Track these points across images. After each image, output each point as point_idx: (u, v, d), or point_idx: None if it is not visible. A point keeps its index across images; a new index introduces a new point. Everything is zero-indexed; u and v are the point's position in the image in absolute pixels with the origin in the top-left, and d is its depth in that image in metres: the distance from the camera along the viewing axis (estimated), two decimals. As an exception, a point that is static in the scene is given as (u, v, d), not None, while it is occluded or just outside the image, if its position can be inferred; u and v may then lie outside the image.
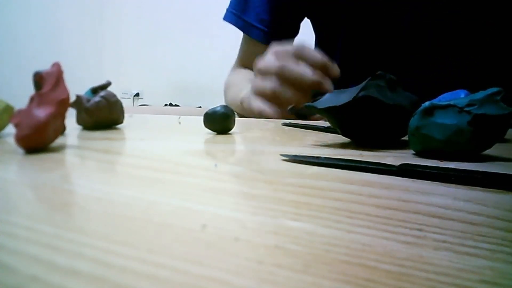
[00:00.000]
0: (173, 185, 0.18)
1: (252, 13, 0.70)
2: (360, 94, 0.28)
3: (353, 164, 0.22)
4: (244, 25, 0.71)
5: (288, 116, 0.50)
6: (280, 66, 0.49)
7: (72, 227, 0.13)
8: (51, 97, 0.26)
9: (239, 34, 0.75)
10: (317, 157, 0.23)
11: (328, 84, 0.48)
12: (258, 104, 0.52)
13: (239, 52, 0.78)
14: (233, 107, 0.47)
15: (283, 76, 0.49)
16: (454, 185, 0.19)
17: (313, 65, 0.49)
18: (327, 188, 0.18)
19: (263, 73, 0.51)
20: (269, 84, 0.50)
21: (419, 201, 0.16)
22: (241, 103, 0.57)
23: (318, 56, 0.49)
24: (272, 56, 0.51)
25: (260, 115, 0.52)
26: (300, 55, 0.49)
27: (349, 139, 0.32)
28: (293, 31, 0.74)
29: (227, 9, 0.73)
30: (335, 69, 0.49)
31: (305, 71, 0.48)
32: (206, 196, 0.16)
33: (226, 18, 0.73)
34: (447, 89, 0.37)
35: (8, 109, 0.31)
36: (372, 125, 0.29)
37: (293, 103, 0.49)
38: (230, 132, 0.36)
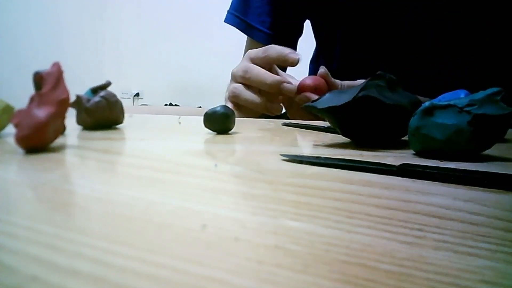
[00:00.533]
0: (173, 185, 0.18)
1: (254, 15, 0.70)
2: (360, 94, 0.28)
3: (353, 164, 0.22)
4: (246, 27, 0.71)
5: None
6: (244, 69, 0.52)
7: (72, 227, 0.13)
8: (51, 97, 0.26)
9: (239, 34, 0.75)
10: (317, 157, 0.23)
11: (288, 87, 0.49)
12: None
13: (243, 54, 0.78)
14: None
15: (245, 79, 0.52)
16: (454, 185, 0.19)
17: (272, 60, 0.51)
18: (327, 188, 0.18)
19: (233, 78, 0.54)
20: (231, 88, 0.53)
21: (419, 201, 0.16)
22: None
23: (277, 50, 0.51)
24: (244, 61, 0.53)
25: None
26: (265, 57, 0.51)
27: (349, 139, 0.32)
28: (296, 32, 0.74)
29: (228, 11, 0.73)
30: (291, 58, 0.50)
31: (263, 75, 0.50)
32: (206, 196, 0.16)
33: (228, 20, 0.72)
34: (447, 89, 0.37)
35: (8, 109, 0.31)
36: (372, 125, 0.29)
37: (251, 106, 0.52)
38: (230, 132, 0.36)
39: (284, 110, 0.56)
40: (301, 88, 0.49)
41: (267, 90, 0.50)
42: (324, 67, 0.51)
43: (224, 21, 0.73)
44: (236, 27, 0.72)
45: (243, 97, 0.51)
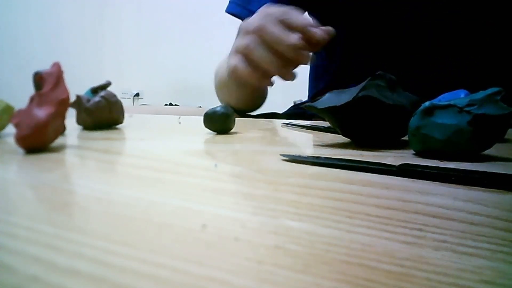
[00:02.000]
0: (173, 185, 0.18)
1: (257, 3, 0.70)
2: (360, 94, 0.28)
3: (353, 164, 0.22)
4: (249, 15, 0.70)
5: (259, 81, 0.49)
6: (259, 25, 0.48)
7: (72, 227, 0.13)
8: (51, 97, 0.26)
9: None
10: (317, 157, 0.23)
11: (304, 54, 0.46)
12: (234, 60, 0.51)
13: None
14: (221, 83, 0.45)
15: (260, 36, 0.48)
16: (454, 185, 0.19)
17: (296, 29, 0.47)
18: (327, 188, 0.18)
19: (244, 31, 0.50)
20: (245, 41, 0.49)
21: (419, 201, 0.16)
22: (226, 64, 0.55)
23: (301, 20, 0.47)
24: (256, 16, 0.50)
25: (234, 72, 0.51)
26: (284, 20, 0.48)
27: (349, 139, 0.32)
28: None
29: (230, 1, 0.72)
30: (319, 34, 0.46)
31: (281, 35, 0.46)
32: (206, 196, 0.16)
33: (230, 9, 0.71)
34: (447, 89, 0.37)
35: (8, 109, 0.31)
36: (372, 125, 0.29)
37: (265, 64, 0.47)
38: (230, 132, 0.36)
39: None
40: None
41: (285, 52, 0.46)
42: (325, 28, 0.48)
43: (226, 11, 0.72)
44: (239, 16, 0.70)
45: (258, 53, 0.47)
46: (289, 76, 0.49)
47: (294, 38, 0.46)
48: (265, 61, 0.48)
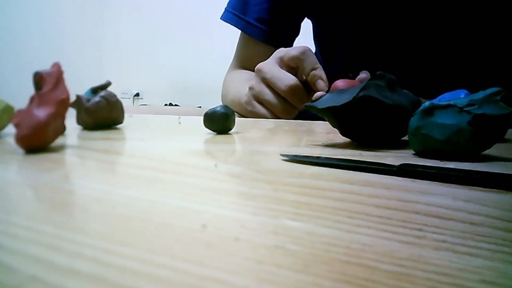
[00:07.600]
0: (173, 185, 0.18)
1: (252, 13, 0.70)
2: (360, 94, 0.28)
3: (353, 164, 0.22)
4: (244, 25, 0.71)
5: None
6: (258, 65, 0.51)
7: (72, 227, 0.13)
8: (51, 97, 0.26)
9: (239, 34, 0.75)
10: (317, 157, 0.23)
11: (299, 98, 0.49)
12: (247, 102, 0.55)
13: (236, 52, 0.78)
14: (234, 108, 0.47)
15: (260, 76, 0.51)
16: (454, 185, 0.19)
17: (303, 72, 0.50)
18: (327, 188, 0.18)
19: (256, 73, 0.53)
20: (252, 83, 0.53)
21: (419, 201, 0.16)
22: (244, 102, 0.58)
23: (310, 65, 0.49)
24: (270, 59, 0.53)
25: (250, 112, 0.54)
26: (283, 58, 0.50)
27: (349, 139, 0.32)
28: (294, 31, 0.74)
29: (225, 9, 0.73)
30: (321, 85, 0.49)
31: (275, 75, 0.49)
32: (206, 196, 0.16)
33: (225, 18, 0.72)
34: (447, 89, 0.37)
35: (8, 109, 0.31)
36: (372, 125, 0.29)
37: (268, 105, 0.51)
38: (230, 132, 0.36)
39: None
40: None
41: (280, 92, 0.50)
42: (367, 72, 0.50)
43: (221, 19, 0.72)
44: (234, 25, 0.72)
45: (262, 94, 0.51)
46: (288, 116, 0.51)
47: (288, 79, 0.48)
48: (268, 102, 0.51)
